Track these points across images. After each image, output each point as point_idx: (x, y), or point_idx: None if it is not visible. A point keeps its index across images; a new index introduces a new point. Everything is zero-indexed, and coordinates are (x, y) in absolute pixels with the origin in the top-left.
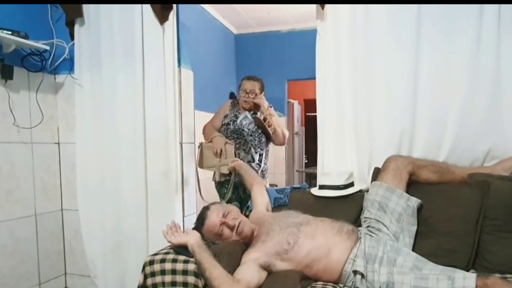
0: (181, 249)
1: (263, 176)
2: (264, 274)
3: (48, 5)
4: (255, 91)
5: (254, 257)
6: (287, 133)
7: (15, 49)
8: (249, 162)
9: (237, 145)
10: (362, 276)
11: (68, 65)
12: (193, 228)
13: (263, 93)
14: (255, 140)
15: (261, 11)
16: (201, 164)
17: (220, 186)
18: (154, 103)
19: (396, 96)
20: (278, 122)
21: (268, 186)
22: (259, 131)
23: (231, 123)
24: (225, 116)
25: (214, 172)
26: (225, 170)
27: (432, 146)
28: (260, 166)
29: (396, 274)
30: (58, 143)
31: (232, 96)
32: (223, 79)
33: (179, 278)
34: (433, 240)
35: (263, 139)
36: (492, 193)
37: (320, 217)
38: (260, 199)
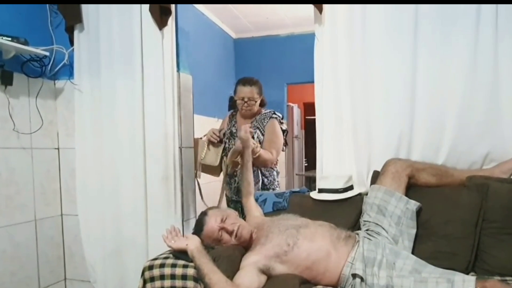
0: (181, 254)
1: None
2: (263, 278)
3: (48, 10)
4: (253, 98)
5: (254, 261)
6: (274, 157)
7: (15, 55)
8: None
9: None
10: (362, 279)
11: (68, 70)
12: (192, 233)
13: (261, 96)
14: None
15: (260, 15)
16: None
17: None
18: (153, 108)
19: (394, 99)
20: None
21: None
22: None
23: (227, 141)
24: (220, 130)
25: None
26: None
27: (431, 149)
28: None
29: (395, 277)
30: (58, 149)
31: (231, 101)
32: (222, 84)
33: (178, 283)
34: (432, 243)
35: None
36: (491, 196)
37: (319, 221)
38: (256, 211)
